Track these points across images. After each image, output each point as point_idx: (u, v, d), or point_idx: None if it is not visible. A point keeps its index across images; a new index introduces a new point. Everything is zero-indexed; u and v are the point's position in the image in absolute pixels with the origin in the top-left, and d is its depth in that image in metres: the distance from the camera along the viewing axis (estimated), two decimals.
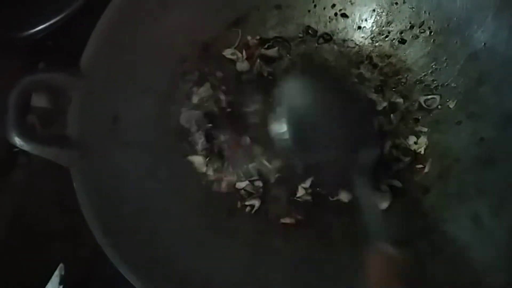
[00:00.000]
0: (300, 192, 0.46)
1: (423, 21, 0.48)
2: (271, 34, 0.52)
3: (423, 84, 0.48)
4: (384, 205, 0.45)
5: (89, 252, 0.47)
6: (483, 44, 0.45)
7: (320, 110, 0.42)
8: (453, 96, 0.47)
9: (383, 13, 0.50)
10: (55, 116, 0.50)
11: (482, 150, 0.43)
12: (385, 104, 0.48)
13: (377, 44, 0.51)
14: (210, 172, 0.47)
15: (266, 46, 0.51)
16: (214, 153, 0.48)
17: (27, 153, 0.47)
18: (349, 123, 0.42)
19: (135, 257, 0.37)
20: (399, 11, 0.49)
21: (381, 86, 0.49)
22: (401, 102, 0.48)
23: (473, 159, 0.43)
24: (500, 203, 0.39)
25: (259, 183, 0.47)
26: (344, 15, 0.51)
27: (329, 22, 0.52)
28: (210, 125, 0.48)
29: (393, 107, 0.48)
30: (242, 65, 0.51)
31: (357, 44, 0.51)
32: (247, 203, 0.46)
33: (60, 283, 0.45)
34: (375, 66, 0.50)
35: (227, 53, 0.50)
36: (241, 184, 0.47)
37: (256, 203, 0.46)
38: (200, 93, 0.49)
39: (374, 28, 0.51)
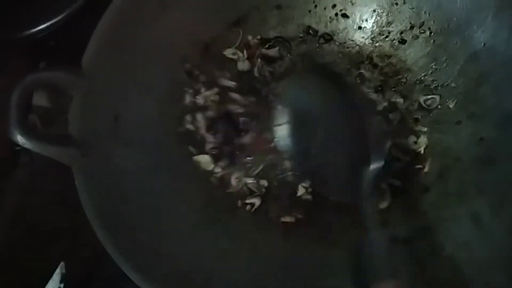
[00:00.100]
0: (300, 191, 0.46)
1: (423, 22, 0.49)
2: (272, 34, 0.52)
3: (423, 84, 0.49)
4: (384, 204, 0.45)
5: (91, 251, 0.47)
6: (483, 44, 0.45)
7: (321, 113, 0.42)
8: (453, 96, 0.47)
9: (384, 14, 0.50)
10: (56, 115, 0.51)
11: (482, 150, 0.43)
12: (385, 104, 0.49)
13: (377, 44, 0.51)
14: (218, 169, 0.47)
15: (267, 46, 0.51)
16: (225, 151, 0.48)
17: (29, 152, 0.47)
18: (351, 130, 0.42)
19: (136, 255, 0.37)
20: (400, 12, 0.50)
21: (381, 86, 0.50)
22: (401, 102, 0.49)
23: (473, 158, 0.43)
24: (500, 203, 0.40)
25: (264, 182, 0.47)
26: (345, 15, 0.51)
27: (330, 22, 0.52)
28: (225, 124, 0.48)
29: (393, 107, 0.49)
30: (243, 65, 0.51)
31: (358, 44, 0.51)
32: (247, 201, 0.46)
33: (61, 281, 0.45)
34: (375, 66, 0.50)
35: (228, 53, 0.51)
36: (248, 180, 0.47)
37: (257, 201, 0.46)
38: (207, 95, 0.49)
39: (374, 28, 0.51)
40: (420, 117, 0.48)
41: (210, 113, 0.49)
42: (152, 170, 0.44)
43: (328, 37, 0.52)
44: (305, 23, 0.52)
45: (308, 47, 0.52)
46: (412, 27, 0.49)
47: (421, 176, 0.46)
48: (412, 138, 0.47)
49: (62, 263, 0.45)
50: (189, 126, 0.48)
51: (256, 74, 0.51)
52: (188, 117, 0.48)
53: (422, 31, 0.49)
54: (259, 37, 0.52)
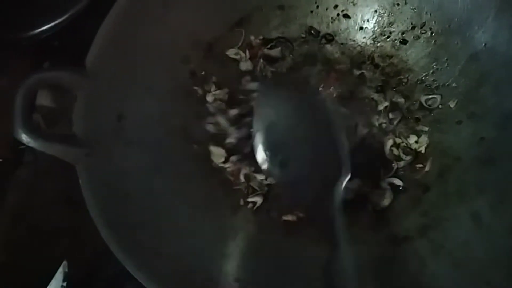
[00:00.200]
0: None
1: (425, 22, 0.49)
2: (274, 34, 0.52)
3: (424, 84, 0.49)
4: (385, 203, 0.45)
5: (94, 249, 0.47)
6: (483, 44, 0.45)
7: (292, 129, 0.42)
8: (454, 96, 0.47)
9: (385, 14, 0.51)
10: (60, 115, 0.51)
11: (482, 150, 0.43)
12: (386, 103, 0.49)
13: (378, 44, 0.51)
14: (229, 164, 0.48)
15: (269, 46, 0.52)
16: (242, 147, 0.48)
17: (33, 151, 0.48)
18: (319, 143, 0.42)
19: (139, 254, 0.38)
20: (401, 12, 0.50)
21: (383, 86, 0.50)
22: (402, 102, 0.49)
23: (473, 158, 0.44)
24: (499, 202, 0.40)
25: (271, 180, 0.47)
26: (346, 16, 0.52)
27: (332, 22, 0.52)
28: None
29: (394, 106, 0.49)
30: (245, 65, 0.51)
31: (359, 45, 0.52)
32: (249, 199, 0.47)
33: (64, 280, 0.45)
34: (376, 66, 0.51)
35: (231, 53, 0.51)
36: (258, 176, 0.47)
37: (259, 200, 0.47)
38: (216, 93, 0.50)
39: (376, 28, 0.51)
40: (421, 116, 0.48)
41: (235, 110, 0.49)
42: (154, 169, 0.44)
43: (330, 38, 0.52)
44: (307, 24, 0.52)
45: (310, 48, 0.52)
46: (413, 28, 0.49)
47: (421, 176, 0.46)
48: (413, 138, 0.47)
49: (65, 262, 0.46)
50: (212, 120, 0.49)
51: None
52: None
53: (423, 31, 0.49)
54: (261, 37, 0.52)
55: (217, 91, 0.50)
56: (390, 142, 0.47)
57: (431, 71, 0.49)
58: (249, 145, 0.46)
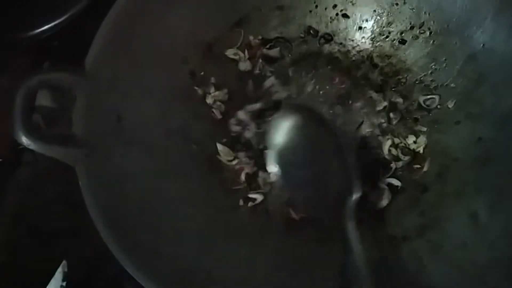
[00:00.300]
0: None
1: (423, 22, 0.49)
2: (273, 34, 0.52)
3: (423, 84, 0.49)
4: (383, 203, 0.45)
5: (93, 250, 0.47)
6: (482, 45, 0.45)
7: (304, 151, 0.43)
8: (452, 96, 0.47)
9: (384, 14, 0.51)
10: (60, 115, 0.51)
11: (480, 150, 0.43)
12: (385, 103, 0.49)
13: (377, 44, 0.51)
14: (235, 162, 0.48)
15: (268, 46, 0.52)
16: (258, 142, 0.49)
17: (32, 151, 0.47)
18: (331, 163, 0.43)
19: (139, 254, 0.38)
20: (400, 12, 0.50)
21: (381, 86, 0.50)
22: (401, 102, 0.49)
23: (472, 158, 0.44)
24: (497, 202, 0.40)
25: (274, 178, 0.47)
26: (345, 16, 0.52)
27: (330, 22, 0.52)
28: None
29: (393, 106, 0.49)
30: (245, 65, 0.51)
31: (358, 45, 0.52)
32: (250, 195, 0.47)
33: (63, 280, 0.45)
34: (375, 66, 0.51)
35: (230, 53, 0.51)
36: (260, 175, 0.48)
37: (259, 197, 0.47)
38: (216, 95, 0.50)
39: (374, 28, 0.51)
40: (419, 117, 0.48)
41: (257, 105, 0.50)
42: (153, 169, 0.44)
43: (329, 37, 0.52)
44: (306, 24, 0.52)
45: (309, 47, 0.52)
46: (412, 28, 0.49)
47: (420, 176, 0.46)
48: (412, 138, 0.48)
49: (64, 262, 0.46)
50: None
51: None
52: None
53: (422, 31, 0.49)
54: (260, 37, 0.52)
55: (217, 92, 0.50)
56: (388, 142, 0.47)
57: (429, 71, 0.49)
58: (265, 140, 0.47)
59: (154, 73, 0.45)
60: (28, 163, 0.52)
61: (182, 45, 0.48)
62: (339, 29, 0.52)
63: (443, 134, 0.47)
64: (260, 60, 0.51)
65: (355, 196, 0.40)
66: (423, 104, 0.48)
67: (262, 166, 0.48)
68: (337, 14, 0.52)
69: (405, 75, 0.50)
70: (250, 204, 0.47)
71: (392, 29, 0.51)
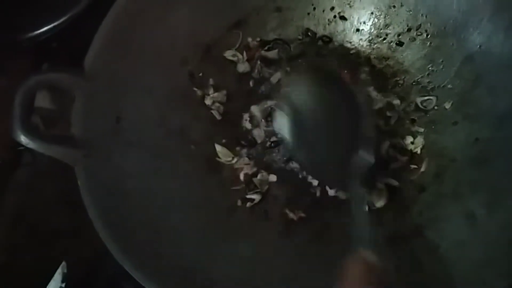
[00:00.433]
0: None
1: (420, 24, 0.49)
2: (271, 36, 0.52)
3: (420, 85, 0.49)
4: (381, 203, 0.46)
5: (92, 251, 0.47)
6: (478, 46, 0.45)
7: (320, 112, 0.42)
8: (449, 97, 0.47)
9: (381, 16, 0.51)
10: (59, 116, 0.51)
11: (477, 150, 0.44)
12: (382, 105, 0.49)
13: (375, 46, 0.51)
14: (234, 161, 0.48)
15: (266, 48, 0.52)
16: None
17: (32, 152, 0.48)
18: (346, 125, 0.42)
19: (138, 254, 0.38)
20: (397, 14, 0.50)
21: (379, 87, 0.50)
22: (398, 103, 0.49)
23: (469, 159, 0.44)
24: (493, 202, 0.40)
25: (273, 178, 0.48)
26: (343, 18, 0.52)
27: (328, 24, 0.52)
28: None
29: (390, 108, 0.49)
30: (243, 67, 0.51)
31: (356, 47, 0.52)
32: (248, 196, 0.47)
33: (62, 281, 0.45)
34: (373, 68, 0.51)
35: (228, 54, 0.51)
36: (259, 176, 0.48)
37: (257, 197, 0.47)
38: (215, 97, 0.50)
39: (372, 30, 0.51)
40: (417, 118, 0.49)
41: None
42: (152, 170, 0.44)
43: (327, 39, 0.52)
44: (304, 26, 0.52)
45: (306, 49, 0.52)
46: (409, 30, 0.50)
47: (417, 176, 0.46)
48: (409, 139, 0.48)
49: (63, 263, 0.46)
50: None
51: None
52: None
53: (419, 33, 0.49)
54: (258, 39, 0.52)
55: (215, 94, 0.50)
56: (386, 143, 0.47)
57: (426, 73, 0.49)
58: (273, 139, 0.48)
59: (153, 74, 0.45)
60: (28, 164, 0.52)
61: (181, 47, 0.48)
62: (337, 31, 0.52)
63: (440, 135, 0.47)
64: (259, 62, 0.51)
65: (363, 155, 0.39)
66: (420, 105, 0.48)
67: (261, 166, 0.48)
68: (334, 16, 0.52)
69: (403, 77, 0.50)
70: (248, 204, 0.47)
71: (390, 31, 0.51)
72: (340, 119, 0.42)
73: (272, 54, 0.52)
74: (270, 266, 0.43)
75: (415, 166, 0.47)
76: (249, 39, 0.52)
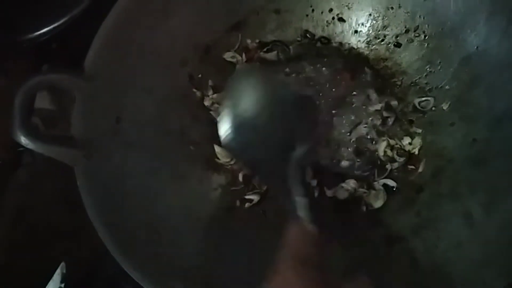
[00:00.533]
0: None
1: (418, 26, 0.49)
2: (270, 38, 0.53)
3: (418, 86, 0.49)
4: (379, 203, 0.46)
5: (91, 251, 0.48)
6: (475, 47, 0.45)
7: (259, 110, 0.42)
8: (446, 98, 0.47)
9: (379, 18, 0.51)
10: (59, 117, 0.51)
11: (474, 151, 0.44)
12: (380, 105, 0.49)
13: (373, 47, 0.52)
14: (233, 162, 0.49)
15: (265, 49, 0.52)
16: None
17: (32, 153, 0.48)
18: (285, 120, 0.41)
19: (137, 254, 0.38)
20: (395, 16, 0.50)
21: (377, 88, 0.50)
22: (396, 104, 0.49)
23: (466, 159, 0.44)
24: (490, 201, 0.40)
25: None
26: (341, 20, 0.52)
27: (327, 26, 0.53)
28: None
29: (388, 108, 0.49)
30: None
31: (354, 48, 0.52)
32: (246, 197, 0.47)
33: (61, 281, 0.45)
34: (371, 69, 0.51)
35: (228, 56, 0.51)
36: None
37: (255, 198, 0.47)
38: (214, 98, 0.50)
39: (370, 32, 0.52)
40: (414, 118, 0.49)
41: None
42: (152, 170, 0.44)
43: (325, 41, 0.52)
44: (303, 27, 0.53)
45: (305, 51, 0.52)
46: (407, 31, 0.50)
47: (415, 177, 0.47)
48: (407, 139, 0.48)
49: (62, 263, 0.46)
50: None
51: None
52: None
53: (417, 34, 0.49)
54: (257, 40, 0.52)
55: (215, 95, 0.50)
56: (384, 144, 0.48)
57: (424, 74, 0.49)
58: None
59: (153, 75, 0.46)
60: (27, 164, 0.52)
61: (181, 48, 0.48)
62: (336, 33, 0.53)
63: (438, 136, 0.47)
64: (258, 63, 0.52)
65: (299, 150, 0.39)
66: (418, 106, 0.49)
67: None
68: (333, 18, 0.52)
69: (401, 78, 0.50)
70: (247, 204, 0.47)
71: (388, 33, 0.51)
72: (277, 115, 0.40)
73: (271, 55, 0.52)
74: (269, 266, 0.43)
75: (413, 167, 0.47)
76: (248, 41, 0.52)
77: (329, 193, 0.47)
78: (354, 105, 0.50)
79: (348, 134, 0.49)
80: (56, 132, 0.51)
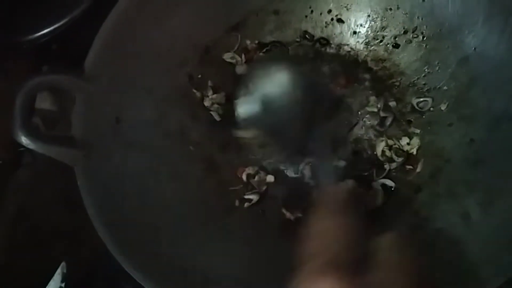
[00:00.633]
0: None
1: (416, 26, 0.49)
2: (269, 38, 0.53)
3: (416, 87, 0.49)
4: (377, 203, 0.46)
5: (92, 251, 0.48)
6: (473, 48, 0.46)
7: (286, 95, 0.42)
8: (444, 98, 0.48)
9: (378, 19, 0.51)
10: (59, 117, 0.51)
11: (472, 151, 0.44)
12: (379, 106, 0.49)
13: (371, 48, 0.52)
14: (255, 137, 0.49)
15: (264, 50, 0.52)
16: None
17: (32, 153, 0.48)
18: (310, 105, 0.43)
19: (137, 254, 0.38)
20: (393, 17, 0.50)
21: (375, 89, 0.50)
22: (395, 105, 0.49)
23: (464, 159, 0.44)
24: (488, 201, 0.40)
25: (271, 178, 0.48)
26: (340, 20, 0.52)
27: (326, 27, 0.53)
28: None
29: (386, 109, 0.49)
30: (241, 69, 0.52)
31: (353, 49, 0.52)
32: (246, 196, 0.47)
33: (62, 281, 0.46)
34: (369, 69, 0.51)
35: (227, 56, 0.51)
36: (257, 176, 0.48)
37: (255, 198, 0.47)
38: (213, 98, 0.50)
39: (369, 33, 0.52)
40: (413, 119, 0.49)
41: None
42: (152, 170, 0.45)
43: (324, 42, 0.53)
44: (302, 28, 0.53)
45: (304, 52, 0.53)
46: (405, 32, 0.50)
47: (413, 177, 0.47)
48: (405, 140, 0.48)
49: (63, 263, 0.46)
50: None
51: None
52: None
53: (415, 35, 0.50)
54: (256, 41, 0.52)
55: (214, 95, 0.50)
56: (382, 144, 0.48)
57: (422, 75, 0.49)
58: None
59: (153, 75, 0.46)
60: (28, 164, 0.52)
61: (181, 48, 0.48)
62: (334, 34, 0.53)
63: (436, 136, 0.47)
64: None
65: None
66: (416, 107, 0.49)
67: (262, 166, 0.49)
68: (332, 19, 0.52)
69: (399, 79, 0.50)
70: (246, 204, 0.47)
71: (386, 34, 0.51)
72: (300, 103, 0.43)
73: None
74: (267, 266, 0.43)
75: (411, 167, 0.47)
76: (248, 42, 0.52)
77: None
78: (352, 106, 0.50)
79: (347, 134, 0.49)
80: (57, 132, 0.51)
